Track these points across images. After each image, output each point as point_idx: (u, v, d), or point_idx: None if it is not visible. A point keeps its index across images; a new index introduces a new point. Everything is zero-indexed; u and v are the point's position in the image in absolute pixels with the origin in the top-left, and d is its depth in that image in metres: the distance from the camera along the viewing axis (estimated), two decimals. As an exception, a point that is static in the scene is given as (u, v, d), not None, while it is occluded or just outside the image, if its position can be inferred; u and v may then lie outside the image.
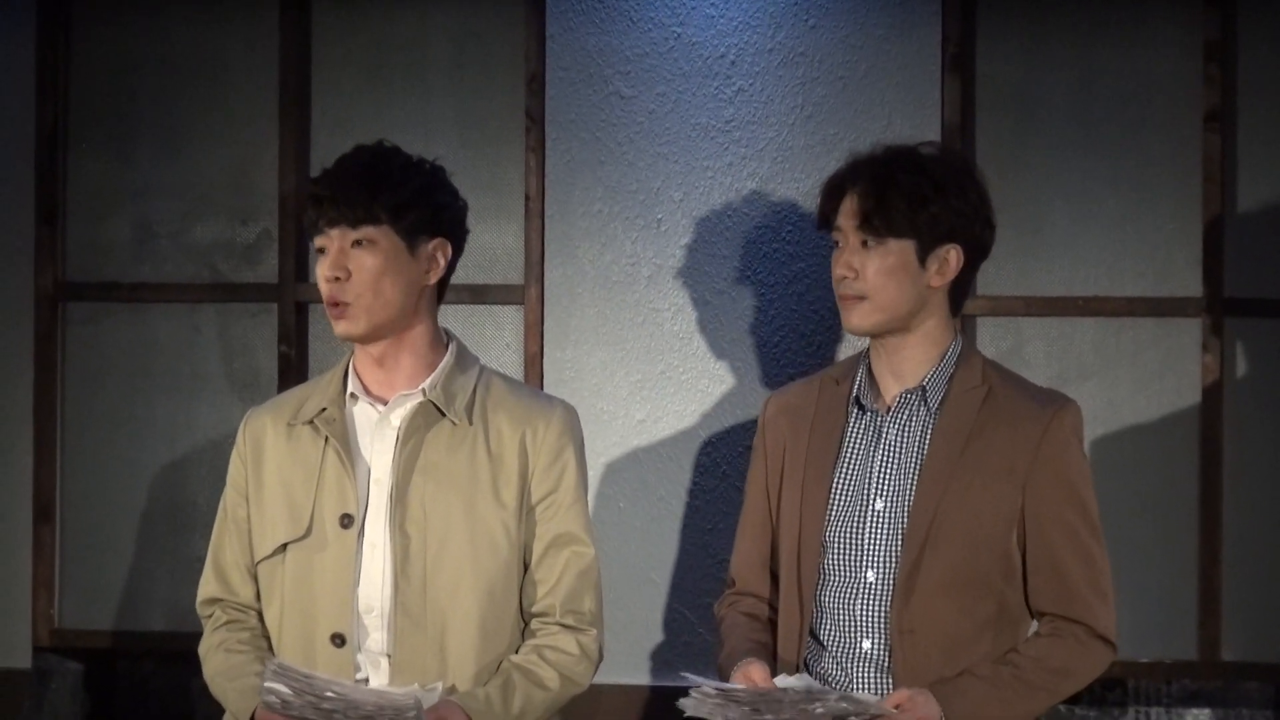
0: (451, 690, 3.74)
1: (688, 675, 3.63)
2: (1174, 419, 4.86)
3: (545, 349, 4.93)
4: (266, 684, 3.52)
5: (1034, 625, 3.85)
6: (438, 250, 3.83)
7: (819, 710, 3.52)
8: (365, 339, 3.80)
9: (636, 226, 4.92)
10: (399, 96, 5.05)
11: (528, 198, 4.95)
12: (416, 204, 3.80)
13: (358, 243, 3.75)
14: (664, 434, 4.90)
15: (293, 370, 5.01)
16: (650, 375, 4.92)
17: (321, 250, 3.77)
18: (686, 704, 3.59)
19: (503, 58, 5.01)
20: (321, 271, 3.77)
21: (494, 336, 5.00)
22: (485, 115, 5.02)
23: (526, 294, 4.94)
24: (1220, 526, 4.83)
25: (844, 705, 3.53)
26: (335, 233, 3.75)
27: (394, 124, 4.98)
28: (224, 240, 5.12)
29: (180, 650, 5.04)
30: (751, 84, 4.88)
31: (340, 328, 3.78)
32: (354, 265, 3.75)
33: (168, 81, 5.14)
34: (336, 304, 3.76)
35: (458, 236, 3.87)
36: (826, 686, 3.69)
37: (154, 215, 5.14)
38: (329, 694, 3.53)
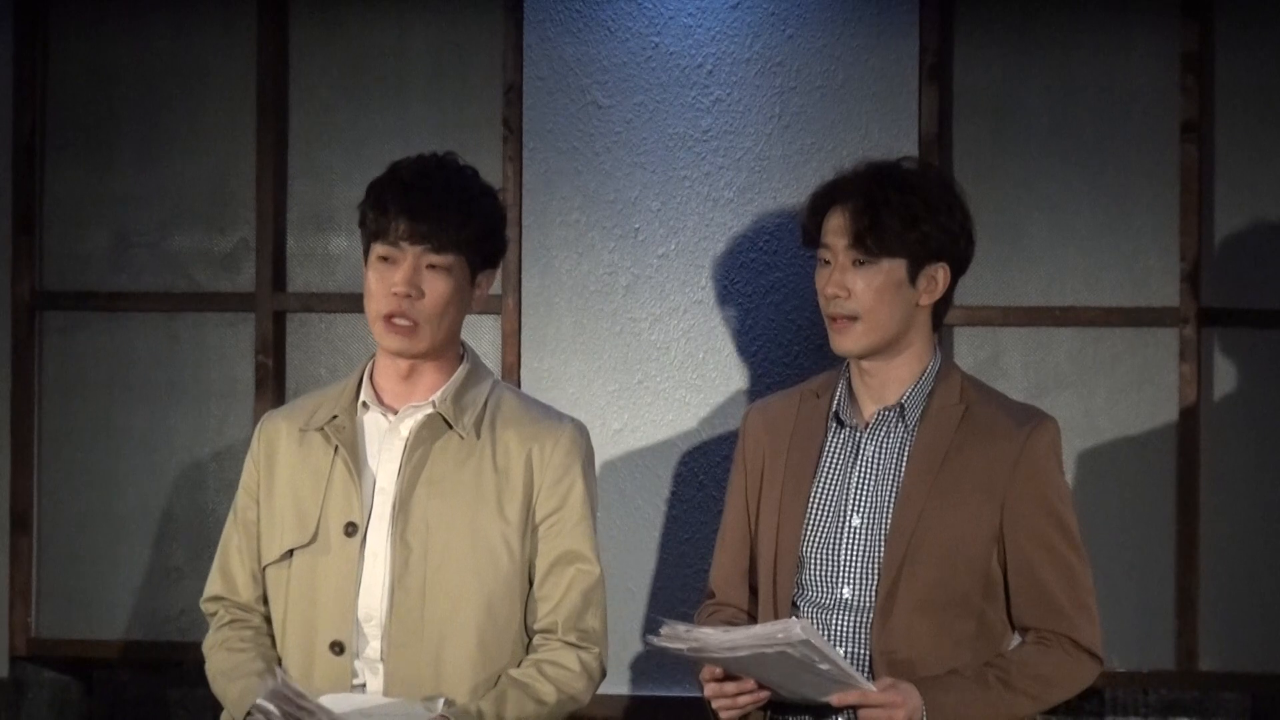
0: (449, 705, 3.74)
1: (664, 619, 3.66)
2: (1151, 429, 4.86)
3: (523, 358, 4.92)
4: (259, 701, 3.55)
5: (1015, 639, 3.85)
6: (486, 280, 3.85)
7: (779, 635, 3.50)
8: (419, 357, 3.80)
9: (614, 236, 4.92)
10: (377, 106, 5.04)
11: (505, 207, 4.93)
12: (490, 238, 3.84)
13: (433, 265, 3.76)
14: (641, 444, 4.90)
15: (270, 380, 5.00)
16: (628, 385, 4.91)
17: (385, 259, 3.76)
18: (655, 639, 3.61)
19: (480, 67, 5.00)
20: (385, 281, 3.75)
21: (471, 346, 4.99)
22: (463, 125, 5.00)
23: (504, 303, 4.93)
24: (1198, 536, 4.83)
25: (811, 656, 3.52)
26: (413, 249, 3.75)
27: (372, 133, 4.98)
28: (201, 249, 5.11)
29: (157, 659, 5.04)
30: (729, 94, 4.88)
31: (396, 343, 3.78)
32: (427, 286, 3.76)
33: (146, 90, 5.13)
34: (401, 319, 3.76)
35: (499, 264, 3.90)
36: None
37: (131, 224, 5.12)
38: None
